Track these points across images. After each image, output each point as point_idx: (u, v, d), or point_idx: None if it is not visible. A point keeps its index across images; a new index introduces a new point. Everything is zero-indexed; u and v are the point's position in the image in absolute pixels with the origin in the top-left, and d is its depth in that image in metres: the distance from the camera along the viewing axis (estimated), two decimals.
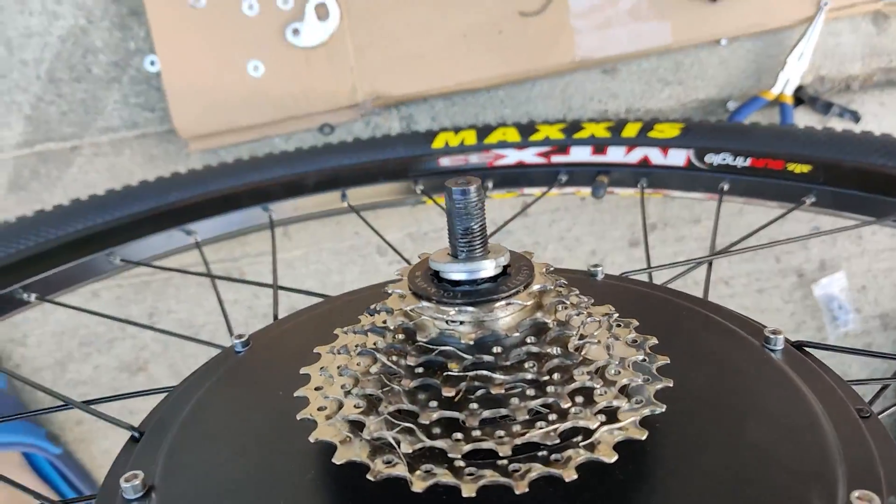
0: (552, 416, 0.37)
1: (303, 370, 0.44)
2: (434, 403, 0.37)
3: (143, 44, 1.05)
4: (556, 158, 0.95)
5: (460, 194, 0.39)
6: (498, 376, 0.37)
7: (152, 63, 1.06)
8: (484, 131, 0.98)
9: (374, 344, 0.41)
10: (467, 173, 0.96)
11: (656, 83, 1.13)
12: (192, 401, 0.48)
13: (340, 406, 0.40)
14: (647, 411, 0.39)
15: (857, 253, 1.23)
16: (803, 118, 1.13)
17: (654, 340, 0.45)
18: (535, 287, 0.40)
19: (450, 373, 0.38)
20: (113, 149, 1.11)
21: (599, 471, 0.37)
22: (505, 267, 0.41)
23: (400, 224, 1.18)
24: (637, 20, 1.03)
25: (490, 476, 0.35)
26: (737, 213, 1.17)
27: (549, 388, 0.38)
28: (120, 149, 1.11)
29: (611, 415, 0.39)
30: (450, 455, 0.36)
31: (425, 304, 0.39)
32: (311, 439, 0.38)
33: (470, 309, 0.38)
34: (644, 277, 0.68)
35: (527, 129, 0.97)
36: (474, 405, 0.37)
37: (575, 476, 0.35)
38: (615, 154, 0.93)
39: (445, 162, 0.97)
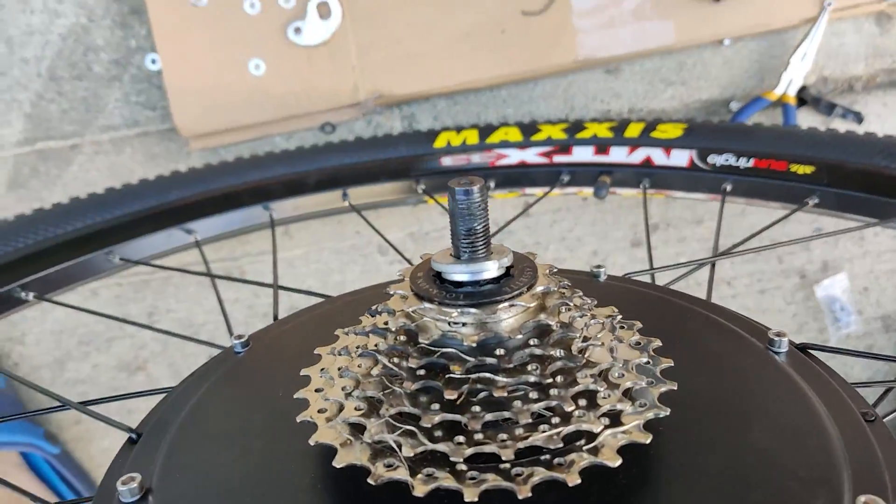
0: (555, 420, 0.37)
1: (303, 371, 0.44)
2: (436, 406, 0.37)
3: (144, 42, 1.05)
4: (559, 158, 0.94)
5: (463, 194, 0.39)
6: (501, 379, 0.37)
7: (153, 61, 1.05)
8: (486, 131, 0.98)
9: (376, 345, 0.40)
10: (469, 173, 0.95)
11: (659, 83, 1.12)
12: (190, 402, 0.48)
13: (341, 408, 0.39)
14: (650, 415, 0.39)
15: (859, 254, 1.22)
16: (806, 119, 1.12)
17: (657, 342, 0.44)
18: (539, 289, 0.40)
19: (452, 375, 0.37)
20: (113, 147, 1.10)
21: (603, 475, 0.36)
22: (508, 268, 0.40)
23: (401, 223, 1.18)
24: (640, 20, 1.03)
25: (492, 480, 0.35)
26: (739, 214, 1.17)
27: (553, 391, 0.37)
28: (121, 147, 1.10)
29: (614, 418, 0.38)
30: (452, 459, 0.36)
31: (427, 305, 0.39)
32: (311, 442, 0.38)
33: (472, 310, 0.38)
34: (647, 278, 0.68)
35: (529, 129, 0.97)
36: (477, 408, 0.37)
37: (578, 480, 0.35)
38: (618, 154, 0.93)
39: (447, 161, 0.96)
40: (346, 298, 0.62)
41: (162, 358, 1.22)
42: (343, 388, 0.40)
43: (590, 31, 1.03)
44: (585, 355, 0.40)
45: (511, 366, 0.38)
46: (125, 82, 1.07)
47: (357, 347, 0.42)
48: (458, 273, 0.39)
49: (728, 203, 0.88)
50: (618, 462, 0.36)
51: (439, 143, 0.97)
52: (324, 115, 1.07)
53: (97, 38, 1.05)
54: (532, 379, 0.37)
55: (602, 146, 0.93)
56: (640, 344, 0.44)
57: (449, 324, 0.38)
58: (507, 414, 0.37)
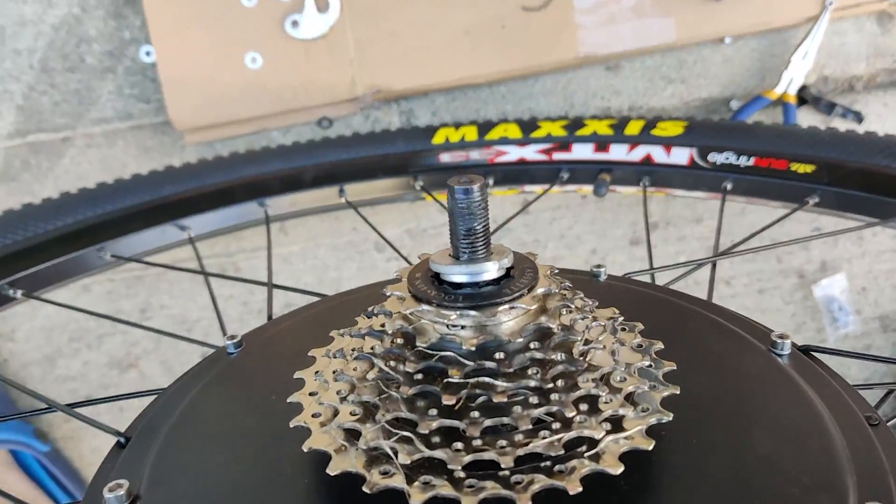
0: (556, 425, 0.36)
1: (297, 374, 0.43)
2: (433, 412, 0.36)
3: (138, 33, 1.04)
4: (558, 156, 0.94)
5: (463, 193, 0.38)
6: (500, 383, 0.36)
7: (148, 53, 1.04)
8: (485, 127, 0.97)
9: (372, 348, 0.39)
10: (467, 170, 0.95)
11: (659, 81, 1.11)
12: (181, 405, 0.46)
13: (336, 413, 0.38)
14: (653, 420, 0.38)
15: (857, 254, 1.22)
16: (806, 118, 1.12)
17: (659, 345, 0.44)
18: (540, 290, 0.39)
19: (450, 380, 0.36)
20: (106, 140, 1.09)
21: (604, 482, 0.36)
22: (508, 269, 0.39)
23: (399, 220, 1.17)
24: (641, 17, 1.02)
25: (491, 488, 0.34)
26: (739, 213, 1.16)
27: (553, 396, 0.37)
28: (113, 140, 1.09)
29: (616, 423, 0.37)
30: (449, 466, 0.35)
31: (425, 307, 0.38)
32: (305, 448, 0.37)
33: (472, 313, 0.37)
34: (646, 278, 0.67)
35: (528, 126, 0.96)
36: (475, 414, 0.36)
37: (579, 488, 0.34)
38: (617, 152, 0.92)
39: (445, 158, 0.96)
40: (343, 298, 0.61)
41: (154, 355, 1.21)
42: (338, 392, 0.39)
43: (590, 27, 1.02)
44: (587, 359, 0.39)
45: (511, 370, 0.37)
46: (119, 74, 1.06)
47: (352, 350, 0.41)
48: (457, 274, 0.38)
49: (728, 202, 0.87)
50: (620, 469, 0.35)
51: (438, 139, 0.96)
52: (321, 109, 1.06)
53: (90, 28, 1.03)
54: (532, 383, 0.37)
55: (602, 144, 0.92)
56: (641, 346, 0.43)
57: (447, 326, 0.37)
58: (506, 420, 0.36)
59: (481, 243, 0.39)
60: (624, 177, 0.93)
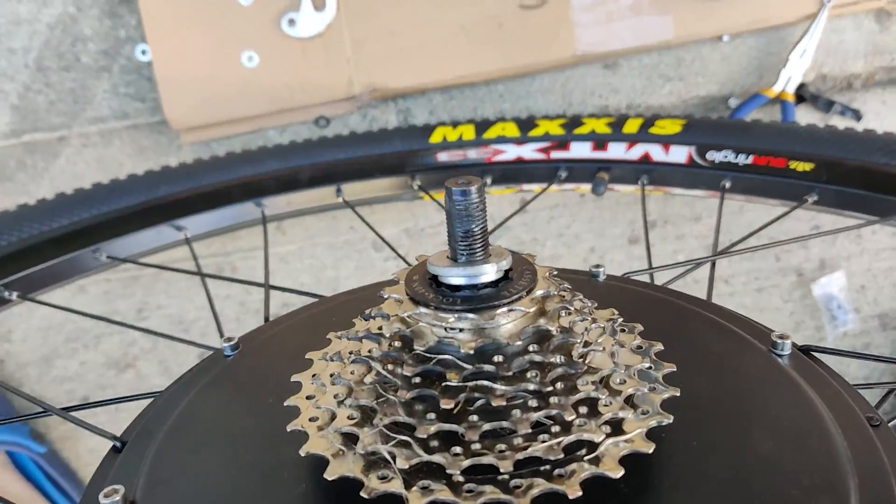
0: (555, 429, 0.36)
1: (294, 377, 0.42)
2: (432, 416, 0.36)
3: (133, 32, 1.03)
4: (556, 154, 0.93)
5: (461, 195, 0.37)
6: (499, 387, 0.36)
7: (143, 52, 1.03)
8: (482, 126, 0.96)
9: (369, 351, 0.39)
10: (465, 169, 0.94)
11: (657, 79, 1.11)
12: (177, 409, 0.46)
13: (333, 417, 0.38)
14: (653, 422, 0.38)
15: (856, 252, 1.22)
16: (805, 116, 1.12)
17: (659, 346, 0.43)
18: (538, 292, 0.39)
19: (448, 383, 0.36)
20: (102, 140, 1.08)
21: (604, 486, 0.35)
22: (507, 271, 0.39)
23: (397, 219, 1.16)
24: (638, 15, 1.02)
25: (490, 493, 0.34)
26: (737, 212, 1.16)
27: (553, 399, 0.36)
28: (109, 140, 1.08)
29: (616, 426, 0.37)
30: (448, 470, 0.34)
31: (423, 310, 0.38)
32: (302, 453, 0.37)
33: (470, 316, 0.37)
34: (645, 277, 0.67)
35: (526, 125, 0.95)
36: (474, 417, 0.36)
37: (579, 492, 0.34)
38: (616, 150, 0.92)
39: (443, 157, 0.95)
40: (340, 299, 0.60)
41: (152, 355, 1.21)
42: (335, 396, 0.39)
43: (588, 25, 1.02)
44: (586, 361, 0.39)
45: (510, 373, 0.36)
46: (114, 73, 1.05)
47: (350, 353, 0.40)
48: (455, 276, 0.38)
49: (726, 200, 0.87)
50: (620, 473, 0.35)
51: (435, 138, 0.96)
52: (318, 108, 1.06)
53: (85, 27, 1.03)
54: (531, 387, 0.36)
55: (600, 142, 0.92)
56: (641, 348, 0.43)
57: (445, 329, 0.37)
58: (505, 423, 0.36)
59: (479, 245, 0.38)
60: (622, 175, 0.92)
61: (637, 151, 0.91)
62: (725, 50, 1.10)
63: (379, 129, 1.05)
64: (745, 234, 0.79)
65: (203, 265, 1.01)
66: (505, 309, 0.37)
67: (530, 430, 0.36)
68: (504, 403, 0.36)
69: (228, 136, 1.07)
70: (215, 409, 0.47)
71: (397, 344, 0.39)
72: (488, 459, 0.35)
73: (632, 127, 0.92)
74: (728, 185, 0.86)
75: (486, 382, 0.36)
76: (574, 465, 0.35)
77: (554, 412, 0.36)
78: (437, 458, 0.35)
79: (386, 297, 0.40)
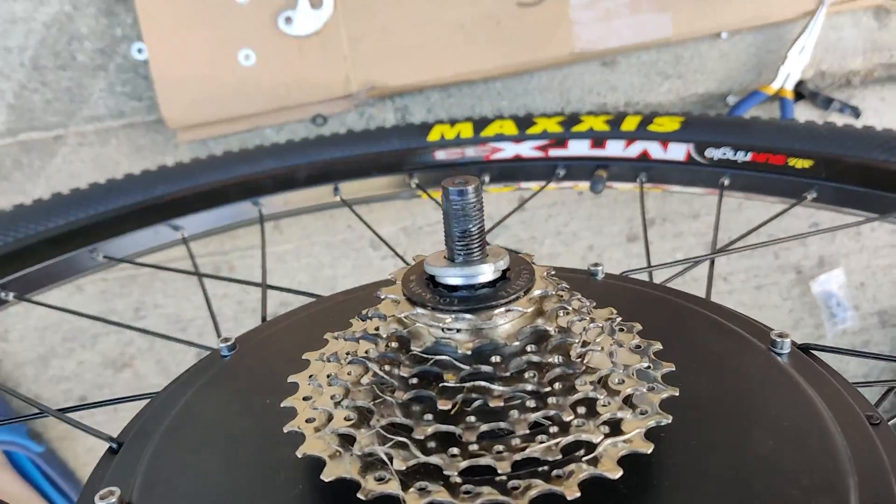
0: (553, 429, 0.36)
1: (290, 378, 0.42)
2: (429, 417, 0.35)
3: (130, 31, 1.03)
4: (554, 152, 0.93)
5: (457, 195, 0.37)
6: (497, 387, 0.36)
7: (140, 51, 1.03)
8: (480, 124, 0.96)
9: (366, 352, 0.39)
10: (463, 167, 0.94)
11: (656, 76, 1.11)
12: (174, 410, 0.46)
13: (330, 418, 0.38)
14: (652, 422, 0.38)
15: (855, 249, 1.22)
16: (803, 113, 1.11)
17: (658, 346, 0.43)
18: (536, 292, 0.38)
19: (446, 384, 0.36)
20: (98, 139, 1.08)
21: (603, 486, 0.35)
22: (504, 271, 0.39)
23: (394, 218, 1.16)
24: (637, 12, 1.01)
25: (488, 494, 0.34)
26: (736, 209, 1.16)
27: (551, 400, 0.36)
28: (106, 139, 1.08)
29: (614, 427, 0.37)
30: (445, 472, 0.34)
31: (420, 310, 0.37)
32: (299, 454, 0.36)
33: (467, 316, 0.37)
34: (644, 275, 0.66)
35: (524, 122, 0.95)
36: (471, 418, 0.35)
37: (577, 493, 0.34)
38: (614, 148, 0.91)
39: (441, 155, 0.95)
40: (338, 298, 0.60)
41: (149, 354, 1.21)
42: (332, 397, 0.38)
43: (586, 23, 1.01)
44: (584, 361, 0.39)
45: (507, 374, 0.36)
46: (110, 72, 1.05)
47: (347, 354, 0.40)
48: (452, 276, 0.38)
49: (725, 197, 0.87)
50: (618, 474, 0.35)
51: (433, 136, 0.95)
52: (315, 106, 1.05)
53: (81, 26, 1.02)
54: (529, 387, 0.36)
55: (598, 140, 0.92)
56: (640, 347, 0.43)
57: (443, 330, 0.37)
58: (503, 424, 0.35)
59: (476, 245, 0.38)
60: (620, 173, 0.92)
61: (635, 149, 0.90)
62: (724, 47, 1.09)
63: (376, 127, 1.05)
64: (743, 232, 0.79)
65: (200, 265, 1.01)
66: (502, 309, 0.37)
67: (528, 431, 0.35)
68: (502, 404, 0.35)
69: (225, 134, 1.07)
70: (212, 410, 0.47)
71: (394, 345, 0.38)
72: (486, 460, 0.34)
73: (630, 124, 0.91)
74: (727, 182, 0.86)
75: (483, 383, 0.36)
76: (572, 466, 0.35)
77: (552, 413, 0.36)
78: (434, 459, 0.34)
79: (383, 297, 0.40)
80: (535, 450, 0.35)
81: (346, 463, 0.36)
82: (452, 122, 0.97)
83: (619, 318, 0.44)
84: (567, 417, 0.36)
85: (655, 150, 0.90)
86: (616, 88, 1.11)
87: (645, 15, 1.02)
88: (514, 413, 0.36)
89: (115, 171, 1.07)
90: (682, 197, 1.17)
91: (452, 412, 0.35)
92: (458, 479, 0.34)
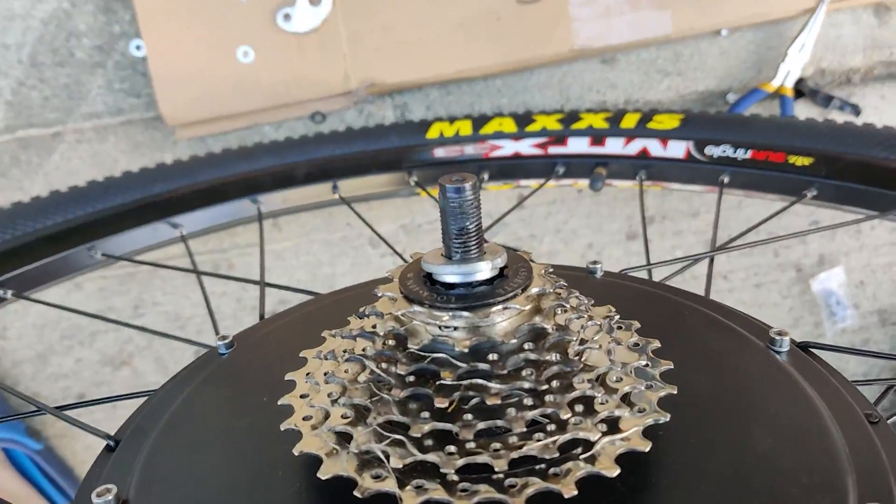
0: (551, 428, 0.36)
1: (288, 376, 0.42)
2: (426, 414, 0.35)
3: (128, 27, 1.02)
4: (554, 149, 0.93)
5: (455, 192, 0.37)
6: (494, 385, 0.36)
7: (138, 47, 1.03)
8: (480, 121, 0.96)
9: (363, 350, 0.39)
10: (462, 165, 0.94)
11: (655, 74, 1.11)
12: (171, 407, 0.46)
13: (327, 416, 0.38)
14: (650, 420, 0.37)
15: (855, 248, 1.22)
16: (803, 111, 1.11)
17: (656, 344, 0.43)
18: (534, 290, 0.38)
19: (443, 382, 0.36)
20: (97, 135, 1.08)
21: (601, 485, 0.35)
22: (502, 269, 0.39)
23: (394, 215, 1.16)
24: (636, 9, 1.01)
25: (485, 492, 0.34)
26: (735, 207, 1.16)
27: (548, 398, 0.36)
28: (104, 136, 1.08)
29: (612, 425, 0.37)
30: (442, 470, 0.34)
31: (417, 308, 0.37)
32: (296, 451, 0.36)
33: (464, 314, 0.36)
34: (643, 273, 0.66)
35: (523, 120, 0.95)
36: (468, 416, 0.35)
37: (575, 491, 0.34)
38: (613, 145, 0.91)
39: (440, 153, 0.95)
40: (336, 296, 0.60)
41: (148, 352, 1.20)
42: (329, 395, 0.38)
43: (586, 20, 1.01)
44: (582, 359, 0.39)
45: (505, 372, 0.36)
46: (109, 69, 1.04)
47: (344, 351, 0.40)
48: (450, 274, 0.37)
49: (725, 195, 0.86)
50: (616, 472, 0.34)
51: (432, 133, 0.95)
52: (314, 104, 1.05)
53: (79, 23, 1.02)
54: (527, 385, 0.36)
55: (598, 137, 0.92)
56: (638, 345, 0.43)
57: (440, 328, 0.37)
58: (500, 422, 0.35)
59: (474, 243, 0.38)
60: (620, 170, 0.92)
61: (635, 146, 0.90)
62: (724, 44, 1.09)
63: (375, 124, 1.05)
64: (743, 230, 0.79)
65: (199, 262, 1.01)
66: (500, 307, 0.37)
67: (525, 429, 0.35)
68: (499, 402, 0.35)
69: (224, 131, 1.06)
70: (209, 407, 0.47)
71: (391, 342, 0.38)
72: (483, 458, 0.34)
73: (630, 122, 0.91)
74: (726, 179, 0.86)
75: (480, 381, 0.36)
76: (570, 464, 0.35)
77: (549, 411, 0.36)
78: (431, 457, 0.34)
79: (380, 295, 0.40)
80: (532, 448, 0.35)
81: (342, 461, 0.35)
82: (452, 120, 0.97)
83: (618, 316, 0.44)
84: (564, 415, 0.35)
85: (655, 148, 0.89)
86: (616, 86, 1.11)
87: (645, 12, 1.01)
88: (512, 411, 0.36)
89: (114, 168, 1.07)
90: (682, 195, 1.17)
91: (449, 410, 0.35)
92: (455, 477, 0.34)
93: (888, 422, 0.43)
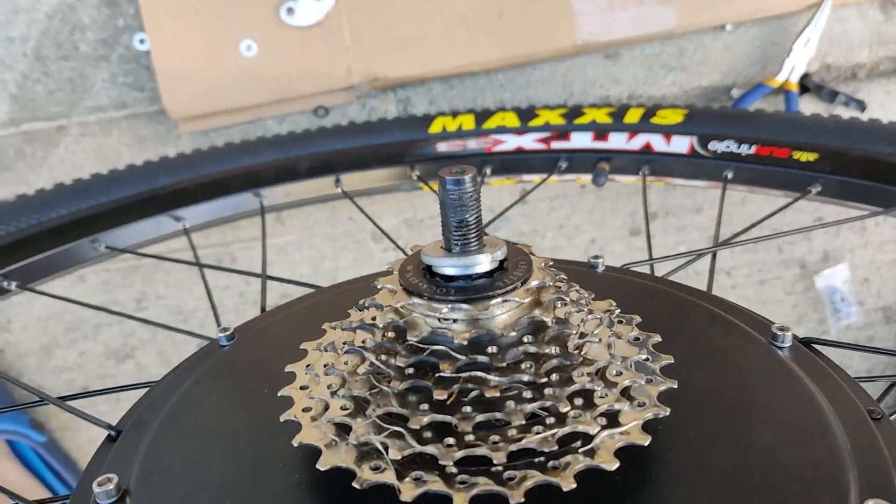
0: (550, 421, 0.36)
1: (288, 368, 0.42)
2: (425, 406, 0.35)
3: (132, 21, 1.02)
4: (556, 144, 0.93)
5: (454, 184, 0.37)
6: (493, 378, 0.36)
7: (142, 41, 1.03)
8: (482, 116, 0.96)
9: (363, 342, 0.39)
10: (465, 159, 0.94)
11: (659, 69, 1.10)
12: (172, 398, 0.46)
13: (326, 407, 0.38)
14: (649, 414, 0.37)
15: (860, 244, 1.21)
16: (808, 107, 1.11)
17: (657, 338, 0.43)
18: (534, 283, 0.38)
19: (442, 374, 0.36)
20: (101, 129, 1.08)
21: (599, 478, 0.35)
22: (501, 261, 0.39)
23: (396, 210, 1.16)
24: (640, 4, 1.01)
25: (483, 484, 0.34)
26: (739, 203, 1.15)
27: (547, 391, 0.36)
28: (108, 129, 1.08)
29: (612, 418, 0.37)
30: (441, 462, 0.34)
31: (416, 300, 0.37)
32: (295, 443, 0.36)
33: (464, 306, 0.36)
34: (646, 269, 0.66)
35: (526, 114, 0.95)
36: (467, 408, 0.35)
37: (573, 485, 0.34)
38: (617, 140, 0.91)
39: (443, 147, 0.94)
40: (337, 289, 0.60)
41: (151, 345, 1.21)
42: (328, 387, 0.38)
43: (589, 14, 1.01)
44: (582, 352, 0.39)
45: (504, 364, 0.36)
46: (112, 62, 1.05)
47: (344, 343, 0.40)
48: (449, 267, 0.37)
49: (729, 191, 0.86)
50: (615, 465, 0.34)
51: (434, 128, 0.95)
52: (317, 98, 1.05)
53: (83, 16, 1.02)
54: (526, 378, 0.36)
55: (601, 132, 0.91)
56: (638, 339, 0.43)
57: (439, 320, 0.37)
58: (499, 415, 0.35)
59: (474, 235, 0.38)
60: (623, 166, 0.91)
61: (638, 141, 0.90)
62: (728, 39, 1.09)
63: (378, 118, 1.04)
64: (747, 226, 0.78)
65: (202, 255, 1.01)
66: (499, 299, 0.37)
67: (524, 422, 0.35)
68: (498, 394, 0.35)
69: (227, 125, 1.06)
70: (210, 399, 0.47)
71: (391, 335, 0.38)
72: (482, 451, 0.34)
73: (633, 117, 0.91)
74: (730, 175, 0.86)
75: (479, 373, 0.36)
76: (569, 457, 0.35)
77: (548, 404, 0.36)
78: (430, 449, 0.34)
79: (380, 287, 0.40)
80: (531, 440, 0.35)
81: (342, 452, 0.36)
82: (454, 114, 0.97)
83: (618, 310, 0.44)
84: (564, 408, 0.35)
85: (658, 143, 0.89)
86: (619, 81, 1.10)
87: (648, 7, 1.01)
88: (511, 404, 0.36)
89: (117, 161, 1.07)
90: (686, 190, 1.16)
91: (448, 402, 0.35)
92: (454, 469, 0.34)
93: (891, 418, 0.42)
